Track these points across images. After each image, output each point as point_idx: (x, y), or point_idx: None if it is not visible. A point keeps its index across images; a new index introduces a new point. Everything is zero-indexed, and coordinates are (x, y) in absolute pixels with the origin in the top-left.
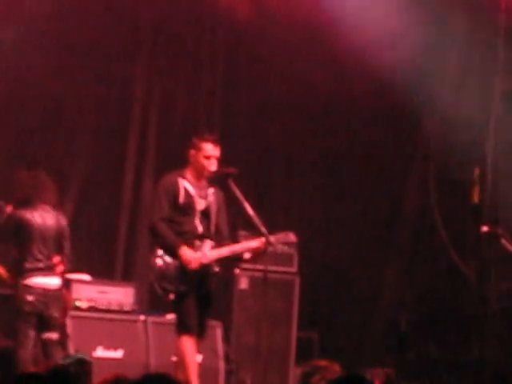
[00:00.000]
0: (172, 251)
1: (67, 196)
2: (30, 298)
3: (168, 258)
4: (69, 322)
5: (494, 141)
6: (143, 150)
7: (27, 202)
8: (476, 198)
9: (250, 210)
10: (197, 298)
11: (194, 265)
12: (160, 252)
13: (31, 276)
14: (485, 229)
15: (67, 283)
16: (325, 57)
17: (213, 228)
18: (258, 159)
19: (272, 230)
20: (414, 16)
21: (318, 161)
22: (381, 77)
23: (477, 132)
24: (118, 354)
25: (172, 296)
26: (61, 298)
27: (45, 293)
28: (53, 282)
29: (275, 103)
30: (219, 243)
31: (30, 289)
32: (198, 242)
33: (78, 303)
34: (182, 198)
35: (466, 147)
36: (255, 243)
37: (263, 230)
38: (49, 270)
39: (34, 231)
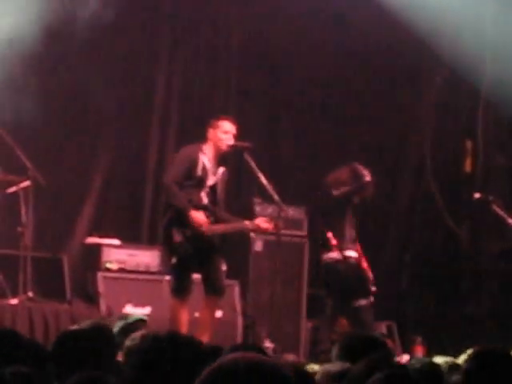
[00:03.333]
0: (182, 212)
1: (98, 170)
2: None
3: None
4: (100, 282)
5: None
6: (165, 132)
7: None
8: (468, 168)
9: (264, 181)
10: (201, 263)
11: (205, 226)
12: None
13: None
14: (477, 195)
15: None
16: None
17: (216, 203)
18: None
19: (283, 198)
20: None
21: (328, 139)
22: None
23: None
24: (146, 310)
25: (174, 260)
26: None
27: None
28: None
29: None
30: (217, 218)
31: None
32: (201, 212)
33: (108, 265)
34: (199, 171)
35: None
36: (250, 225)
37: (276, 198)
38: None
39: None
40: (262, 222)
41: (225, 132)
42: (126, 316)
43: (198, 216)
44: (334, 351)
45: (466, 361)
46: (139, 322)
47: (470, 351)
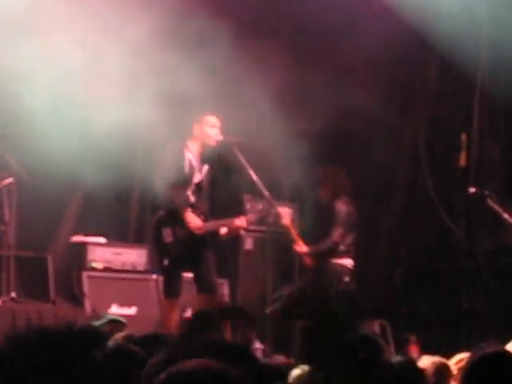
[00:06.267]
0: (176, 212)
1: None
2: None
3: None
4: (85, 282)
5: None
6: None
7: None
8: (463, 162)
9: (253, 176)
10: (193, 262)
11: (201, 230)
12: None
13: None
14: (472, 190)
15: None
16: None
17: (202, 201)
18: None
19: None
20: None
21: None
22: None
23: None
24: (132, 310)
25: (166, 262)
26: None
27: None
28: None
29: None
30: (205, 216)
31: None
32: (190, 210)
33: (94, 264)
34: (186, 168)
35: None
36: (238, 221)
37: (266, 193)
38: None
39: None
40: (238, 221)
41: (211, 126)
42: (102, 317)
43: (194, 220)
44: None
45: (466, 363)
46: (117, 324)
47: (459, 355)
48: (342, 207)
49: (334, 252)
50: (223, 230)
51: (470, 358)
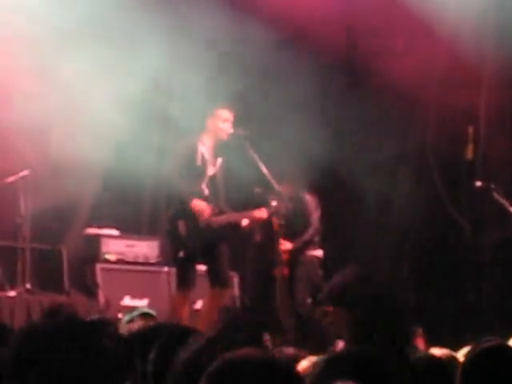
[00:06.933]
0: (185, 203)
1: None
2: None
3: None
4: (99, 274)
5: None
6: None
7: None
8: (470, 155)
9: (264, 169)
10: (207, 256)
11: (206, 214)
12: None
13: None
14: (478, 183)
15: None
16: None
17: (217, 194)
18: None
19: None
20: None
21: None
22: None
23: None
24: (144, 302)
25: (181, 254)
26: None
27: None
28: None
29: None
30: (220, 209)
31: None
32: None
33: (107, 256)
34: (198, 161)
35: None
36: (259, 213)
37: (276, 186)
38: None
39: None
40: (258, 212)
41: (224, 120)
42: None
43: (200, 204)
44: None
45: (465, 357)
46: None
47: (467, 348)
48: (309, 197)
49: (312, 242)
50: (245, 222)
51: (469, 352)
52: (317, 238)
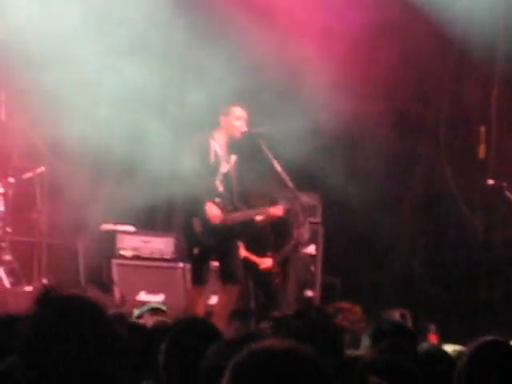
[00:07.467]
0: (200, 203)
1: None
2: None
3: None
4: (114, 269)
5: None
6: None
7: None
8: (482, 154)
9: (278, 167)
10: (219, 253)
11: (217, 221)
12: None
13: None
14: (490, 182)
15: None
16: None
17: (231, 191)
18: None
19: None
20: None
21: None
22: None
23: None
24: (159, 297)
25: (196, 251)
26: None
27: None
28: None
29: None
30: (235, 206)
31: None
32: (217, 199)
33: (122, 252)
34: (212, 158)
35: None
36: (274, 210)
37: (290, 184)
38: None
39: None
40: (274, 209)
41: (237, 118)
42: (144, 305)
43: (213, 210)
44: (364, 338)
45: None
46: (158, 311)
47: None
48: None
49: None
50: (259, 217)
51: (468, 349)
52: (305, 239)
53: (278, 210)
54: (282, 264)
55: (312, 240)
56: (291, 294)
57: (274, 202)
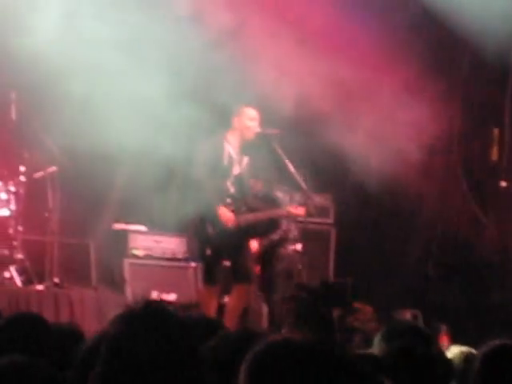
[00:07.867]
0: (212, 206)
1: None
2: None
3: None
4: (126, 269)
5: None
6: None
7: None
8: (495, 156)
9: (291, 168)
10: (232, 253)
11: (231, 223)
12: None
13: None
14: (503, 184)
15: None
16: None
17: (243, 192)
18: None
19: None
20: None
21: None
22: None
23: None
24: (171, 297)
25: (208, 251)
26: None
27: None
28: None
29: None
30: (249, 207)
31: None
32: (229, 201)
33: (135, 251)
34: (225, 160)
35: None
36: (294, 210)
37: (303, 185)
38: None
39: None
40: (294, 208)
41: (250, 119)
42: None
43: (226, 214)
44: (377, 338)
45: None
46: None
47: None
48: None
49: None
50: (279, 215)
51: (479, 353)
52: (292, 235)
53: (299, 210)
54: (268, 256)
55: (324, 242)
56: (278, 286)
57: (274, 203)
